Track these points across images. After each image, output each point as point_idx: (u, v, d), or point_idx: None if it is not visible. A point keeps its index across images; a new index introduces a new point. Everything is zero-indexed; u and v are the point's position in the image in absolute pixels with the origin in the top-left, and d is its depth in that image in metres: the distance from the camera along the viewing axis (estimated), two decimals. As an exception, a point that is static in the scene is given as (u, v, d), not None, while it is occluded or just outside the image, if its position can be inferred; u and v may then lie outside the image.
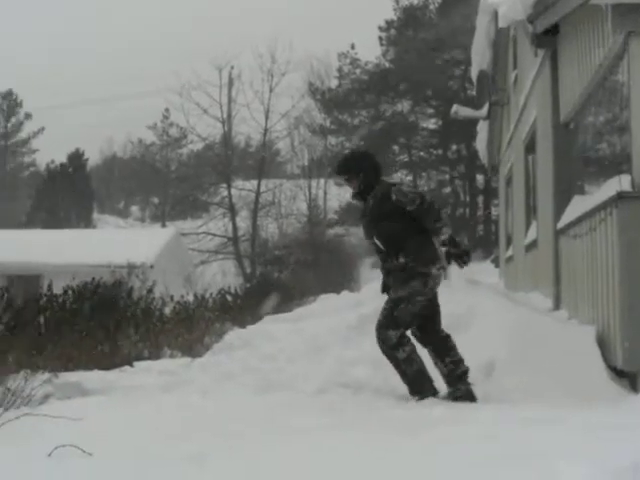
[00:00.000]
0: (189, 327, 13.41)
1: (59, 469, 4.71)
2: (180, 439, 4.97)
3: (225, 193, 47.10)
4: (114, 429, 5.41)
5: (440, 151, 50.95)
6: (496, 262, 26.58)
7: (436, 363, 6.66)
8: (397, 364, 6.53)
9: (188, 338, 12.40)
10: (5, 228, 37.99)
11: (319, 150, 52.28)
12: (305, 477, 3.98)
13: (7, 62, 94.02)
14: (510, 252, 17.80)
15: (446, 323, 6.85)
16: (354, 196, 7.14)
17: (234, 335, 10.10)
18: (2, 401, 6.62)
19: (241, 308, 18.11)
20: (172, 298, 15.16)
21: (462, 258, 6.55)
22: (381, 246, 6.73)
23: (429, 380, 6.55)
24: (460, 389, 6.51)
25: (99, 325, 9.87)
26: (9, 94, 73.91)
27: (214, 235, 44.84)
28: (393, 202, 6.63)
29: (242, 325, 12.51)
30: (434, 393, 6.48)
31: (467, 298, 9.56)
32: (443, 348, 6.64)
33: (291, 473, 4.05)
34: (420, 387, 6.49)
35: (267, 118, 47.53)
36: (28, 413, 5.71)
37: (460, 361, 6.60)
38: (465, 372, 6.58)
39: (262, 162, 47.02)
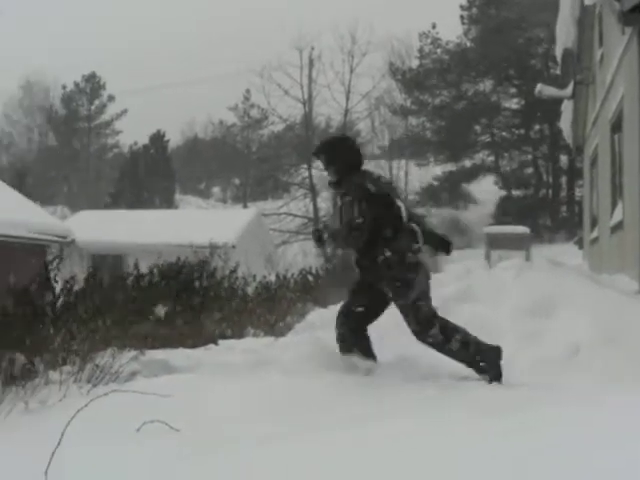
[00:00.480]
0: (271, 307, 13.51)
1: (148, 445, 4.81)
2: (263, 418, 5.03)
3: (306, 174, 47.28)
4: (200, 406, 5.50)
5: (522, 131, 50.30)
6: (580, 244, 26.20)
7: None
8: (457, 355, 6.42)
9: (270, 318, 12.49)
10: (90, 209, 38.73)
11: (400, 131, 52.11)
12: (391, 460, 3.99)
13: (91, 45, 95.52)
14: (595, 234, 17.53)
15: (529, 306, 6.78)
16: (329, 184, 7.03)
17: (316, 315, 10.15)
18: (91, 378, 6.79)
19: (322, 288, 18.16)
20: (255, 278, 15.28)
21: None
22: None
23: (491, 349, 6.40)
24: None
25: (184, 304, 10.02)
26: (92, 77, 75.11)
27: (295, 216, 45.06)
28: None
29: (324, 305, 12.54)
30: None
31: (551, 280, 9.45)
32: None
33: (372, 457, 4.06)
34: (486, 364, 6.35)
35: (348, 99, 47.56)
36: (116, 390, 5.83)
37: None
38: None
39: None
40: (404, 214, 6.68)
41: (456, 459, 3.74)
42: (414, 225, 6.69)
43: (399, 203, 6.69)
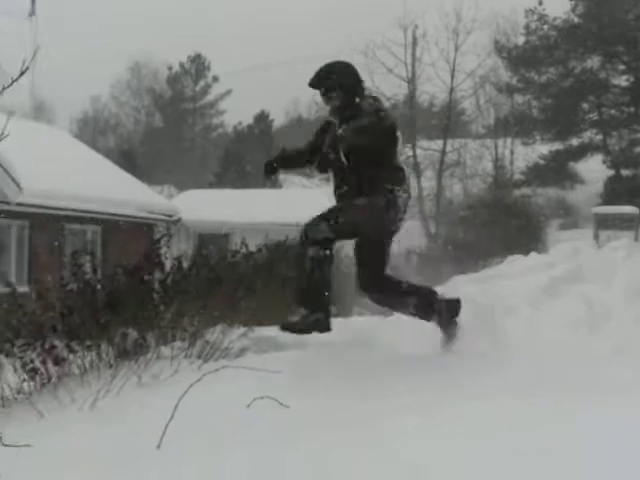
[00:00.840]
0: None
1: (258, 419, 4.86)
2: (371, 394, 5.02)
3: (410, 152, 46.97)
4: (309, 383, 5.53)
5: (632, 109, 48.88)
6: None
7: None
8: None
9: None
10: (195, 188, 39.30)
11: (505, 109, 51.27)
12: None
13: (196, 26, 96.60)
14: None
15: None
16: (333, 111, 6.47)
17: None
18: (201, 353, 6.89)
19: (428, 268, 18.10)
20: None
21: None
22: None
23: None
24: None
25: (292, 282, 10.03)
26: (197, 57, 76.02)
27: (399, 195, 44.82)
28: None
29: (430, 284, 12.46)
30: None
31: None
32: None
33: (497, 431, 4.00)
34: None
35: (452, 77, 47.02)
36: (227, 365, 5.89)
37: None
38: None
39: (448, 121, 46.56)
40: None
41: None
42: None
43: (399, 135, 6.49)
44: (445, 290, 10.24)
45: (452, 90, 47.23)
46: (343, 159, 6.19)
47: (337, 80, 6.33)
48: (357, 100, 6.31)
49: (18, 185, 15.93)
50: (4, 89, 4.83)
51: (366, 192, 6.17)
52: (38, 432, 5.03)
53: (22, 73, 4.79)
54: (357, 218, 6.22)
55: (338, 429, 4.49)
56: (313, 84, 6.44)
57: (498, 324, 7.65)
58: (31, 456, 4.45)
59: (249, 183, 45.02)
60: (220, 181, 54.44)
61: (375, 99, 6.51)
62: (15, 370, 6.68)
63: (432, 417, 4.33)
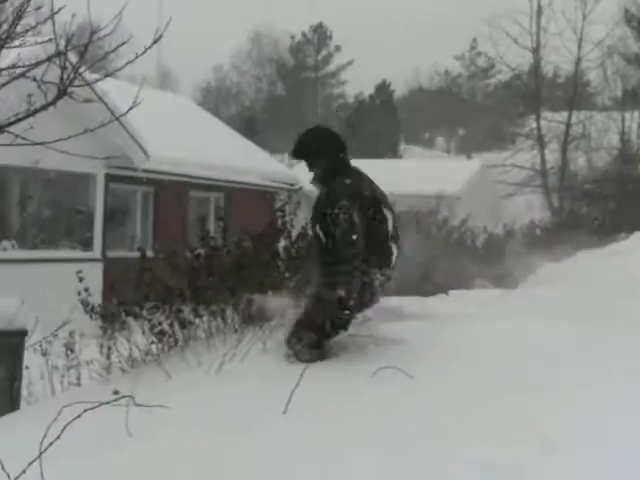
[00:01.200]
0: (499, 259, 13.33)
1: (382, 388, 4.84)
2: (505, 367, 4.94)
3: (533, 124, 46.00)
4: (433, 353, 5.47)
5: None
6: None
7: None
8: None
9: (498, 270, 12.33)
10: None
11: (633, 80, 49.60)
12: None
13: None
14: None
15: None
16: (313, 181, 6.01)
17: (548, 268, 9.89)
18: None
19: (550, 243, 17.73)
20: (485, 229, 15.11)
21: None
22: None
23: None
24: None
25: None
26: (319, 27, 76.06)
27: (521, 168, 44.01)
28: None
29: (552, 259, 12.23)
30: None
31: None
32: None
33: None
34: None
35: (579, 47, 45.77)
36: (353, 334, 5.90)
37: None
38: None
39: (574, 93, 45.39)
40: (390, 227, 5.96)
41: None
42: (394, 245, 5.94)
43: (388, 215, 6.00)
44: (572, 263, 10.05)
45: (579, 61, 45.95)
46: (321, 235, 5.86)
47: (315, 151, 5.95)
48: (334, 177, 5.90)
49: (145, 152, 16.24)
50: (137, 57, 4.92)
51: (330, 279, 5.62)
52: (167, 392, 5.14)
53: (154, 42, 4.86)
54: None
55: (455, 397, 4.45)
56: (293, 154, 6.17)
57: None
58: (161, 416, 4.54)
59: (370, 153, 44.90)
60: (341, 150, 54.34)
61: (357, 176, 6.06)
62: (143, 332, 6.83)
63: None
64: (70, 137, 5.69)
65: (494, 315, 6.83)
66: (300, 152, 6.09)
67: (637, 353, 5.19)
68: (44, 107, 5.27)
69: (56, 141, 5.63)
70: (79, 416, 4.05)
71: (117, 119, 6.07)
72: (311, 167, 5.97)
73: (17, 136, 5.20)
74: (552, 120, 45.73)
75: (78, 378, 7.56)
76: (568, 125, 44.94)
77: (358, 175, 6.07)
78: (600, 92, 54.39)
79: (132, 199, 19.67)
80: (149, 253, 7.46)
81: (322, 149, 5.95)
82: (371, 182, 6.13)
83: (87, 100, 6.01)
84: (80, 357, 7.79)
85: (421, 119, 75.31)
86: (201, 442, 4.33)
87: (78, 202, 16.24)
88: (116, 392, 5.58)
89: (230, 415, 4.80)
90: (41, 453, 3.85)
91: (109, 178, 16.50)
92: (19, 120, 5.27)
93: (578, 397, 4.24)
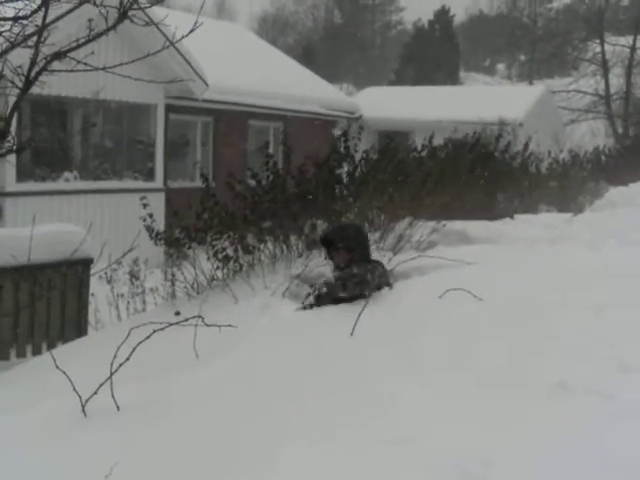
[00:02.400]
0: (563, 185, 13.13)
1: (452, 311, 4.80)
2: (575, 289, 4.86)
3: (597, 49, 44.89)
4: (502, 276, 5.41)
5: None
6: None
7: None
8: None
9: (563, 196, 12.15)
10: (375, 86, 39.04)
11: None
12: None
13: None
14: None
15: None
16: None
17: (615, 192, 9.72)
18: (393, 246, 6.86)
19: (615, 169, 17.43)
20: (550, 153, 14.86)
21: None
22: None
23: None
24: None
25: (478, 178, 9.88)
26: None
27: (585, 93, 43.09)
28: None
29: (616, 186, 12.04)
30: None
31: None
32: None
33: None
34: None
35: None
36: (422, 255, 5.85)
37: None
38: None
39: (639, 15, 44.08)
40: None
41: None
42: None
43: None
44: (638, 189, 9.86)
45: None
46: None
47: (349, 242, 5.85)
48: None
49: (204, 81, 16.15)
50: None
51: None
52: (235, 315, 5.14)
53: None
54: None
55: (528, 318, 4.39)
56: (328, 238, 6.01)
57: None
58: (230, 335, 4.55)
59: (429, 80, 44.33)
60: (400, 79, 53.92)
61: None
62: (208, 258, 6.84)
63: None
64: (132, 62, 5.66)
65: (560, 239, 6.71)
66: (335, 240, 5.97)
67: None
68: (105, 31, 5.22)
69: (117, 66, 5.60)
70: (149, 337, 4.08)
71: (172, 45, 6.00)
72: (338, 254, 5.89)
73: (79, 62, 5.15)
74: (616, 44, 44.54)
75: (144, 303, 7.63)
76: (633, 49, 43.70)
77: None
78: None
79: (192, 129, 19.66)
80: (211, 183, 7.40)
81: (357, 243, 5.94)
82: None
83: (148, 24, 5.97)
84: (145, 284, 7.86)
85: (481, 46, 74.02)
86: (274, 361, 4.35)
87: (139, 133, 16.27)
88: (178, 313, 5.62)
89: (300, 335, 4.82)
90: (112, 373, 3.89)
91: (169, 109, 16.47)
92: (80, 45, 5.23)
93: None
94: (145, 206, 7.12)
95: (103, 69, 5.55)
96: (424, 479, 2.86)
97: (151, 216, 7.11)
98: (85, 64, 5.17)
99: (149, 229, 7.10)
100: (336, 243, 5.82)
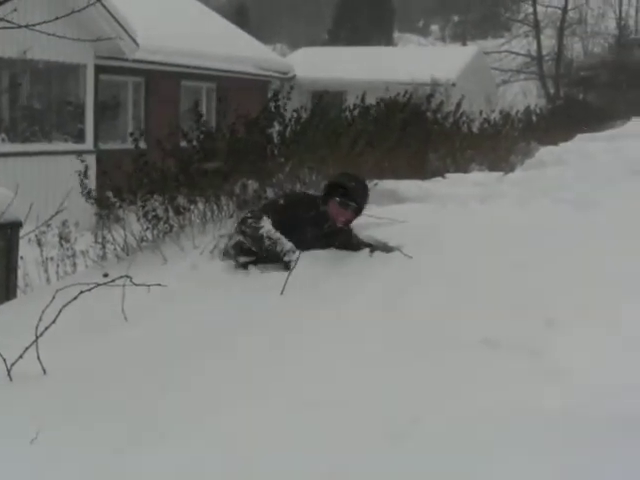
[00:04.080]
0: (495, 145, 13.22)
1: (381, 269, 4.81)
2: (504, 247, 4.89)
3: (529, 10, 45.23)
4: (434, 233, 5.41)
5: None
6: None
7: None
8: None
9: (494, 155, 12.25)
10: (308, 46, 38.84)
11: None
12: None
13: None
14: None
15: None
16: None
17: (546, 152, 9.82)
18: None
19: (546, 128, 17.63)
20: (481, 113, 14.94)
21: None
22: None
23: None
24: None
25: (409, 137, 9.89)
26: None
27: (517, 54, 43.47)
28: None
29: (547, 145, 12.17)
30: None
31: None
32: None
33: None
34: None
35: None
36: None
37: None
38: None
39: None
40: None
41: None
42: None
43: None
44: (570, 147, 9.98)
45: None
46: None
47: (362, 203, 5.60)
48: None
49: (134, 41, 15.86)
50: None
51: None
52: (163, 275, 5.10)
53: None
54: None
55: (456, 277, 4.42)
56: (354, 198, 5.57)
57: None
58: (158, 295, 4.52)
59: (363, 41, 44.22)
60: (333, 39, 53.70)
61: None
62: (138, 219, 6.76)
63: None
64: (56, 19, 5.52)
65: (490, 198, 6.75)
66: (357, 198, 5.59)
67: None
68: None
69: (41, 23, 5.46)
70: (75, 298, 4.02)
71: (99, 1, 5.86)
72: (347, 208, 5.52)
73: (1, 19, 5.02)
74: (548, 5, 44.93)
75: (73, 266, 7.52)
76: (564, 11, 44.12)
77: None
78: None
79: (123, 90, 19.36)
80: (142, 144, 7.31)
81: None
82: None
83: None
84: (75, 247, 7.74)
85: (415, 6, 74.00)
86: (201, 317, 4.33)
87: (68, 94, 15.95)
88: (106, 275, 5.54)
89: (224, 294, 4.79)
90: (37, 337, 3.83)
91: (99, 69, 16.16)
92: (2, 2, 5.10)
93: (579, 274, 4.21)
94: (82, 161, 7.04)
95: (26, 26, 5.41)
96: (355, 437, 2.87)
97: (85, 172, 7.01)
98: (7, 22, 5.03)
99: (82, 184, 7.00)
100: (351, 199, 5.44)
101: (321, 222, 5.46)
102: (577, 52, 45.69)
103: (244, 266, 5.37)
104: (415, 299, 4.19)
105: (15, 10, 5.17)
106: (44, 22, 5.44)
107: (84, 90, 15.61)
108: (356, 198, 5.45)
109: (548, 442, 2.69)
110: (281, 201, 5.68)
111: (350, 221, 5.52)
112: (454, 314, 3.88)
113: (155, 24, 18.72)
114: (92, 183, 8.71)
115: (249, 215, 5.47)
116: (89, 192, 7.08)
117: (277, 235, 5.25)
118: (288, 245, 5.21)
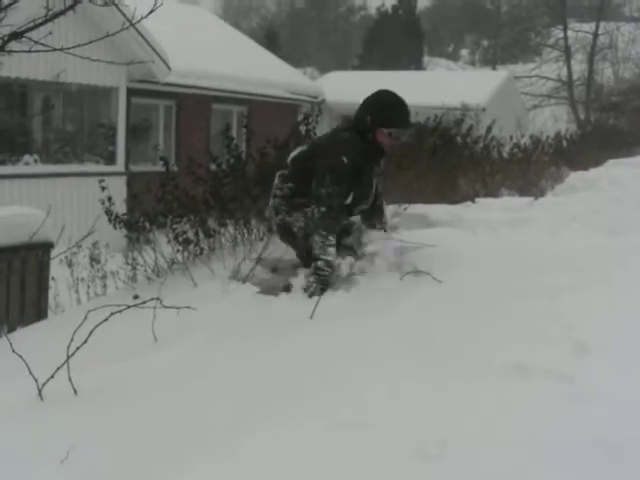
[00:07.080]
0: (525, 169, 13.20)
1: (411, 292, 4.81)
2: (535, 272, 4.87)
3: (560, 35, 45.15)
4: (464, 258, 5.41)
5: None
6: None
7: None
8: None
9: (524, 180, 12.22)
10: (338, 70, 38.98)
11: (662, -9, 48.50)
12: None
13: None
14: None
15: None
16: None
17: (576, 177, 9.78)
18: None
19: (577, 153, 17.56)
20: (511, 138, 14.92)
21: None
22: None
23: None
24: None
25: (439, 161, 9.90)
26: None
27: (547, 79, 43.34)
28: None
29: (577, 170, 12.13)
30: None
31: None
32: None
33: None
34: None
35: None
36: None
37: None
38: None
39: (601, 2, 44.33)
40: None
41: None
42: None
43: None
44: (601, 172, 9.93)
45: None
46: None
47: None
48: None
49: (166, 64, 16.02)
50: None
51: None
52: (193, 298, 5.11)
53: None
54: None
55: (487, 301, 4.40)
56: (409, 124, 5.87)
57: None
58: (188, 319, 4.53)
59: (393, 65, 44.32)
60: (363, 63, 53.90)
61: None
62: (168, 241, 6.80)
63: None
64: (90, 42, 5.58)
65: (520, 223, 6.74)
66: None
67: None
68: (63, 11, 5.17)
69: (75, 47, 5.52)
70: (106, 319, 4.04)
71: (132, 25, 5.92)
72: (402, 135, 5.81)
73: (36, 42, 5.08)
74: (579, 30, 44.81)
75: (104, 287, 7.58)
76: (595, 36, 44.02)
77: None
78: (628, 2, 53.33)
79: (154, 113, 19.54)
80: (172, 167, 7.37)
81: None
82: None
83: (106, 3, 5.91)
84: (105, 268, 7.80)
85: (445, 31, 74.15)
86: (229, 346, 4.32)
87: (100, 117, 16.12)
88: (136, 296, 5.57)
89: (259, 318, 4.80)
90: (68, 357, 3.85)
91: (131, 92, 16.33)
92: (37, 26, 5.16)
93: (611, 300, 4.18)
94: (103, 189, 7.07)
95: (61, 50, 5.46)
96: (384, 460, 2.85)
97: (110, 199, 7.06)
98: (43, 45, 5.10)
99: (108, 212, 7.06)
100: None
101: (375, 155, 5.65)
102: (607, 77, 45.51)
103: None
104: (446, 324, 4.17)
105: (50, 33, 5.23)
106: (78, 45, 5.49)
107: (116, 112, 15.76)
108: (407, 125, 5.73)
109: (581, 469, 2.67)
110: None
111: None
112: (485, 339, 3.86)
113: (187, 47, 18.91)
114: (122, 204, 8.80)
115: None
116: (116, 218, 7.14)
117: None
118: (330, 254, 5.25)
